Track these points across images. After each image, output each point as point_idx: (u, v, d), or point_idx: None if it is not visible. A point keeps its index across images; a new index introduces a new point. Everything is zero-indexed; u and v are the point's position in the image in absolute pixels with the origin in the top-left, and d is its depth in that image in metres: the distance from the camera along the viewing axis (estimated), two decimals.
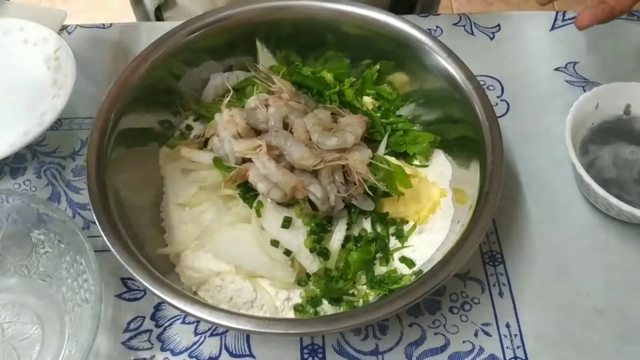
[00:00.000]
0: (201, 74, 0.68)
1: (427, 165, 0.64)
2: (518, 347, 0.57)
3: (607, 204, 0.59)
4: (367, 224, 0.59)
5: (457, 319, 0.58)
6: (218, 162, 0.60)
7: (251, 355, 0.56)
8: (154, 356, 0.56)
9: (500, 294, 0.59)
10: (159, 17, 0.93)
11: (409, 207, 0.60)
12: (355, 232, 0.59)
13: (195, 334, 0.57)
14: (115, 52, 0.77)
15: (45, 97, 0.69)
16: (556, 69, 0.76)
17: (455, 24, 0.80)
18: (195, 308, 0.48)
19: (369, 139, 0.62)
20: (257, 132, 0.60)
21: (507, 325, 0.58)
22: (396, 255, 0.59)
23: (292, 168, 0.57)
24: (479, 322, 0.58)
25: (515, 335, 0.57)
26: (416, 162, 0.64)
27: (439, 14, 0.82)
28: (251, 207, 0.57)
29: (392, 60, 0.67)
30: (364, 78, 0.68)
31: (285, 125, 0.60)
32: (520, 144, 0.69)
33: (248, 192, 0.58)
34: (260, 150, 0.56)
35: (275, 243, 0.56)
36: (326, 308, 0.56)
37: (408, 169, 0.61)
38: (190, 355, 0.56)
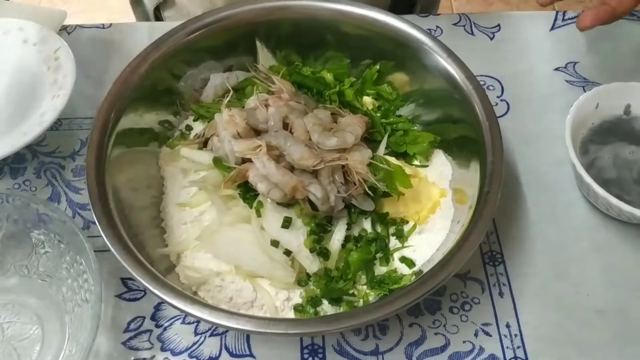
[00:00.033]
0: (201, 74, 0.68)
1: (427, 166, 0.64)
2: (518, 347, 0.57)
3: (607, 204, 0.59)
4: (367, 224, 0.59)
5: (457, 319, 0.58)
6: (218, 162, 0.60)
7: (251, 355, 0.56)
8: (154, 356, 0.56)
9: (501, 294, 0.59)
10: (158, 17, 0.93)
11: (409, 207, 0.60)
12: (356, 232, 0.59)
13: (196, 334, 0.57)
14: (115, 52, 0.77)
15: (45, 97, 0.69)
16: (556, 69, 0.76)
17: (455, 24, 0.80)
18: (196, 308, 0.48)
19: (369, 139, 0.62)
20: (257, 132, 0.60)
21: (507, 325, 0.58)
22: (396, 256, 0.59)
23: (292, 168, 0.57)
24: (479, 322, 0.58)
25: (516, 335, 0.57)
26: (416, 162, 0.64)
27: (438, 14, 0.82)
28: (251, 207, 0.57)
29: (392, 60, 0.67)
30: (364, 78, 0.68)
31: (285, 126, 0.60)
32: (520, 144, 0.69)
33: (248, 192, 0.58)
34: (260, 150, 0.56)
35: (275, 243, 0.56)
36: (326, 308, 0.56)
37: (408, 169, 0.61)
38: (190, 355, 0.56)
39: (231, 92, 0.64)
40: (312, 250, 0.56)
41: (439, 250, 0.57)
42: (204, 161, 0.61)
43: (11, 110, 0.69)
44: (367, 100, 0.68)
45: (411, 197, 0.60)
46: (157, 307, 0.59)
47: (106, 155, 0.56)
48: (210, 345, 0.57)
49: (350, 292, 0.57)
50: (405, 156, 0.64)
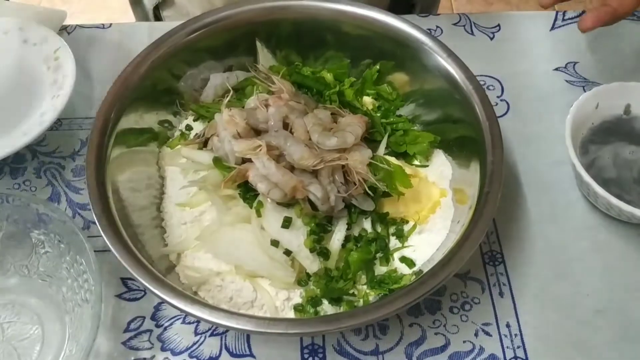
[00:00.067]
0: (201, 74, 0.68)
1: (427, 165, 0.64)
2: (518, 347, 0.57)
3: (607, 203, 0.59)
4: (367, 224, 0.59)
5: (457, 318, 0.58)
6: (218, 162, 0.60)
7: (251, 355, 0.56)
8: (154, 356, 0.56)
9: (501, 293, 0.59)
10: (157, 16, 0.93)
11: (409, 207, 0.60)
12: (356, 232, 0.59)
13: (196, 334, 0.57)
14: (115, 52, 0.77)
15: (45, 97, 0.69)
16: (556, 69, 0.76)
17: (455, 24, 0.80)
18: (196, 308, 0.48)
19: (369, 139, 0.62)
20: (257, 132, 0.60)
21: (508, 325, 0.58)
22: (396, 255, 0.59)
23: (292, 168, 0.57)
24: (479, 322, 0.58)
25: (516, 335, 0.57)
26: (416, 162, 0.64)
27: (438, 14, 0.82)
28: (251, 207, 0.57)
29: (392, 60, 0.67)
30: (364, 78, 0.68)
31: (285, 125, 0.60)
32: (520, 144, 0.69)
33: (248, 192, 0.58)
34: (260, 150, 0.56)
35: (275, 243, 0.56)
36: (326, 308, 0.56)
37: (408, 169, 0.61)
38: (190, 355, 0.56)
39: (231, 92, 0.64)
40: (312, 250, 0.56)
41: (439, 250, 0.57)
42: (204, 161, 0.61)
43: (11, 110, 0.69)
44: (367, 100, 0.68)
45: (411, 197, 0.60)
46: (157, 307, 0.59)
47: (106, 155, 0.56)
48: (211, 345, 0.57)
49: (351, 292, 0.57)
50: (405, 156, 0.64)
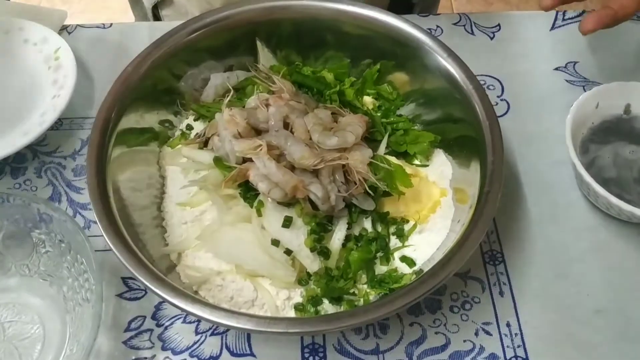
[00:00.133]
0: (202, 74, 0.68)
1: (428, 165, 0.64)
2: (518, 346, 0.57)
3: (607, 203, 0.59)
4: (367, 224, 0.59)
5: (457, 318, 0.58)
6: (218, 161, 0.60)
7: (252, 354, 0.56)
8: (154, 355, 0.56)
9: (501, 293, 0.59)
10: (156, 15, 0.93)
11: (409, 206, 0.60)
12: (356, 231, 0.59)
13: (196, 333, 0.58)
14: (115, 52, 0.77)
15: (45, 97, 0.69)
16: (556, 69, 0.76)
17: (455, 24, 0.80)
18: (196, 307, 0.48)
19: (370, 139, 0.62)
20: (257, 132, 0.60)
21: (508, 325, 0.58)
22: (397, 255, 0.59)
23: (292, 168, 0.57)
24: (480, 321, 0.58)
25: (516, 334, 0.57)
26: (416, 162, 0.64)
27: (438, 14, 0.82)
28: (252, 207, 0.57)
29: (393, 60, 0.67)
30: (364, 78, 0.68)
31: (286, 125, 0.60)
32: (520, 144, 0.69)
33: (249, 192, 0.58)
34: (261, 150, 0.56)
35: (275, 242, 0.56)
36: (327, 307, 0.56)
37: (408, 169, 0.61)
38: (191, 355, 0.56)
39: (232, 92, 0.64)
40: (312, 250, 0.56)
41: (440, 249, 0.57)
42: (204, 161, 0.61)
43: (11, 110, 0.69)
44: (368, 99, 0.68)
45: (412, 196, 0.60)
46: (158, 307, 0.59)
47: (107, 155, 0.56)
48: (211, 345, 0.57)
49: (351, 291, 0.57)
50: (405, 156, 0.64)
